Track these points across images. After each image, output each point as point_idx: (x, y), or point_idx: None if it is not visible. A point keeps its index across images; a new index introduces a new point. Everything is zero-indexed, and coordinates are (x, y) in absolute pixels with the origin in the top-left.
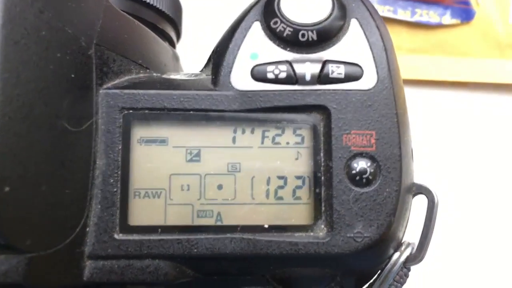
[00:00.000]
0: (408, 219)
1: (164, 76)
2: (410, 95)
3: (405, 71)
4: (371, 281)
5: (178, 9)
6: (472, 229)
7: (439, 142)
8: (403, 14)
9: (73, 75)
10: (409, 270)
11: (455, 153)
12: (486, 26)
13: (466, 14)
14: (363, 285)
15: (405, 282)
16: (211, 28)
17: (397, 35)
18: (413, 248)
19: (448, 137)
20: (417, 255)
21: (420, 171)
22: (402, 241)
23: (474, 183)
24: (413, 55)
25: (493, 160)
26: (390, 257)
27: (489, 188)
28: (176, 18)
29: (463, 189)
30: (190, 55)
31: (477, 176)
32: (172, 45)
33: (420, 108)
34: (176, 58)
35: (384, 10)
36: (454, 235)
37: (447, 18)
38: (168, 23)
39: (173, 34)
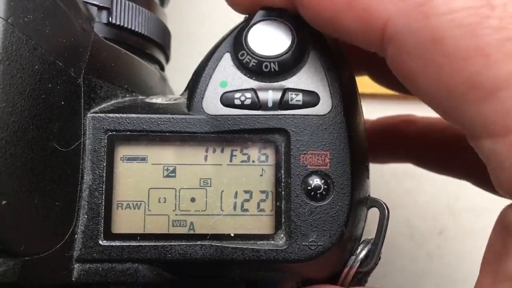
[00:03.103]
0: (363, 228)
1: (147, 100)
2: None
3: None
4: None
5: (166, 34)
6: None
7: None
8: None
9: (63, 102)
10: (367, 275)
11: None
12: None
13: None
14: None
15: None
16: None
17: None
18: (367, 254)
19: None
20: (370, 261)
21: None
22: (358, 247)
23: None
24: None
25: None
26: (346, 263)
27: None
28: (164, 43)
29: None
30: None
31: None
32: (161, 67)
33: None
34: (163, 79)
35: None
36: None
37: None
38: (156, 48)
39: (161, 58)
